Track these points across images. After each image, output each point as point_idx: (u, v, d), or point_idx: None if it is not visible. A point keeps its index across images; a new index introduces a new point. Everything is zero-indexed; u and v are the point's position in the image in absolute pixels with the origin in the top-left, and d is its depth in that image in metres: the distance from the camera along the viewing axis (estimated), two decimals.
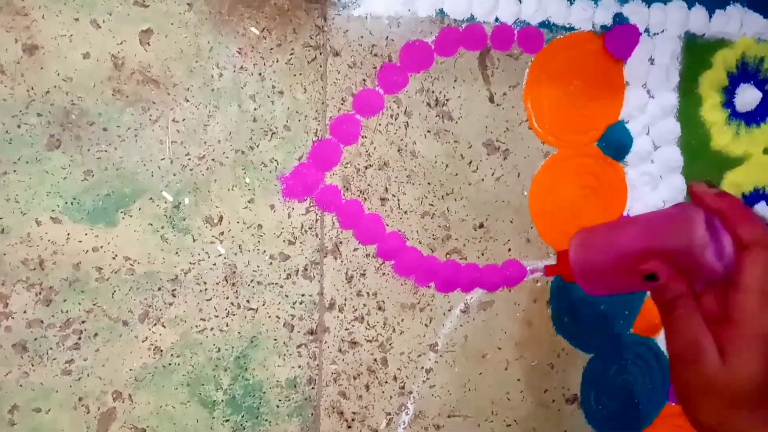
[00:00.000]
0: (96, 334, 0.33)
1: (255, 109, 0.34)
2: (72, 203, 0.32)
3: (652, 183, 0.42)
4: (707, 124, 0.43)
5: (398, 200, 0.38)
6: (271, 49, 0.34)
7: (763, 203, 0.45)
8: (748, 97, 0.43)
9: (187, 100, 0.33)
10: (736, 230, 0.30)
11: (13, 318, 0.32)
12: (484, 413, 0.40)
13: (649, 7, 0.40)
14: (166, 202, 0.34)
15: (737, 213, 0.30)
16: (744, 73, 0.43)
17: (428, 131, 0.38)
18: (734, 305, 0.30)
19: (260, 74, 0.34)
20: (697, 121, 0.43)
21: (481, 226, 0.40)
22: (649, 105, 0.41)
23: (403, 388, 0.39)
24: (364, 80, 0.36)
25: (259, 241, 0.35)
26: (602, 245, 0.32)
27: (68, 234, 0.32)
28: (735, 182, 0.44)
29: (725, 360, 0.30)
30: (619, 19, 0.40)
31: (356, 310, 0.38)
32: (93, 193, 0.33)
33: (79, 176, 0.32)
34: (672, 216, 0.32)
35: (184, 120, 0.33)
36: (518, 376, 0.41)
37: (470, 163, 0.39)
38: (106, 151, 0.33)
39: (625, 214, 0.42)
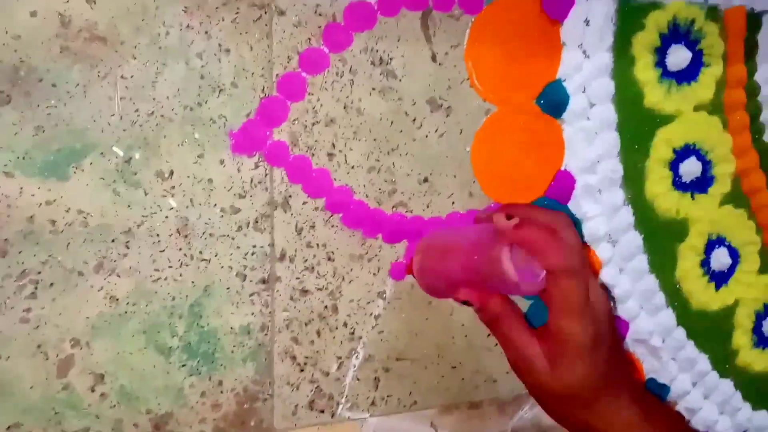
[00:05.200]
0: (52, 284, 0.35)
1: (202, 67, 0.36)
2: (24, 158, 0.33)
3: (589, 138, 0.44)
4: (640, 83, 0.45)
5: (345, 156, 0.39)
6: (217, 7, 0.35)
7: (693, 158, 0.48)
8: (679, 57, 0.45)
9: (135, 58, 0.34)
10: (546, 261, 0.33)
11: None
12: (431, 356, 0.43)
13: None
14: (116, 157, 0.35)
15: (536, 243, 0.33)
16: (675, 34, 0.45)
17: (373, 89, 0.39)
18: (550, 320, 0.33)
19: (206, 32, 0.35)
20: (631, 80, 0.45)
21: (426, 180, 0.42)
22: (584, 64, 0.43)
23: (353, 333, 0.41)
24: (310, 39, 0.38)
25: (209, 195, 0.37)
26: (434, 269, 0.39)
27: (21, 188, 0.34)
28: (667, 139, 0.47)
29: (552, 369, 0.34)
30: None
31: (306, 260, 0.40)
32: (44, 149, 0.34)
33: (30, 132, 0.33)
34: (483, 256, 0.35)
35: (132, 77, 0.35)
36: (462, 321, 0.43)
37: (414, 120, 0.41)
38: (55, 107, 0.34)
39: (562, 168, 0.44)
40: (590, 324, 0.33)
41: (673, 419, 0.45)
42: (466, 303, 0.36)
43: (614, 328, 0.37)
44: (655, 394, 0.49)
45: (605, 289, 0.45)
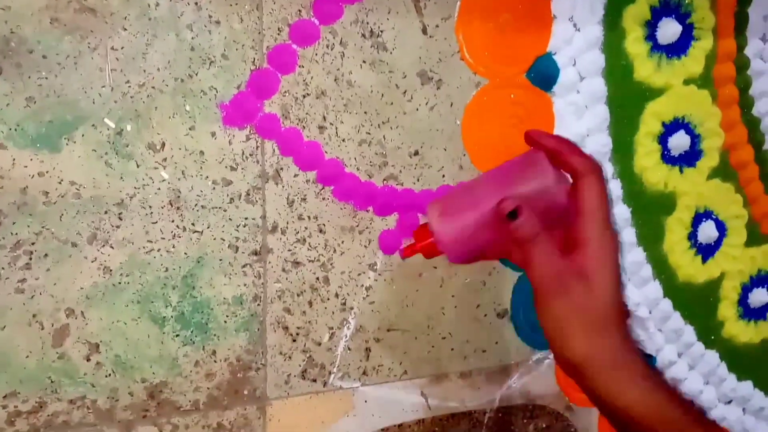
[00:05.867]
0: (46, 255, 0.35)
1: (193, 38, 0.36)
2: (16, 130, 0.34)
3: (578, 112, 0.44)
4: (630, 57, 0.45)
5: (336, 128, 0.40)
6: None
7: (682, 132, 0.48)
8: (669, 30, 0.45)
9: (125, 29, 0.34)
10: (570, 162, 0.32)
11: None
12: (421, 327, 0.44)
13: None
14: (108, 129, 0.35)
15: (569, 148, 0.33)
16: (666, 7, 0.46)
17: (364, 61, 0.40)
18: (581, 229, 0.32)
19: (196, 4, 0.35)
20: (621, 54, 0.45)
21: (416, 153, 0.42)
22: (575, 38, 0.43)
23: (344, 304, 0.42)
24: (300, 11, 0.38)
25: (201, 167, 0.37)
26: (461, 208, 0.34)
27: (14, 159, 0.34)
28: (656, 112, 0.47)
29: (587, 283, 0.32)
30: None
31: (298, 232, 0.40)
32: (36, 120, 0.34)
33: (22, 103, 0.33)
34: (520, 163, 0.34)
35: (122, 48, 0.35)
36: (452, 292, 0.44)
37: (405, 92, 0.41)
38: (46, 78, 0.34)
39: None
40: (612, 235, 0.32)
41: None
42: (511, 216, 0.33)
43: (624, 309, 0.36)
44: None
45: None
